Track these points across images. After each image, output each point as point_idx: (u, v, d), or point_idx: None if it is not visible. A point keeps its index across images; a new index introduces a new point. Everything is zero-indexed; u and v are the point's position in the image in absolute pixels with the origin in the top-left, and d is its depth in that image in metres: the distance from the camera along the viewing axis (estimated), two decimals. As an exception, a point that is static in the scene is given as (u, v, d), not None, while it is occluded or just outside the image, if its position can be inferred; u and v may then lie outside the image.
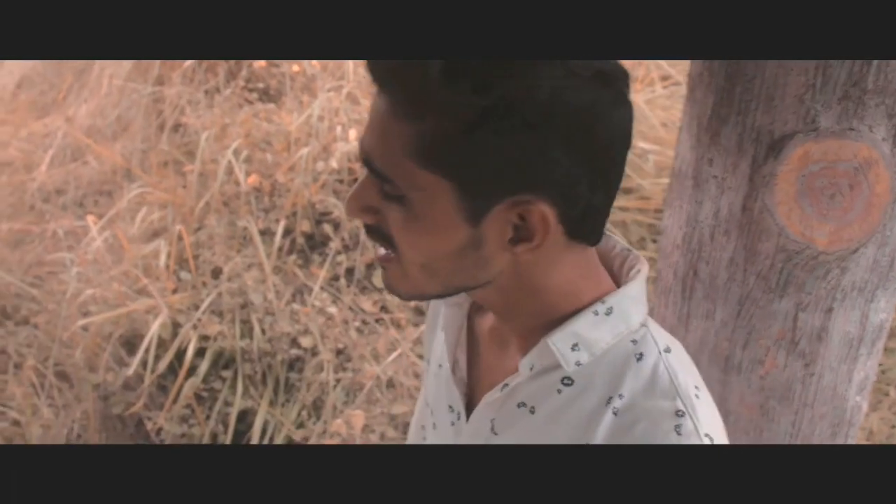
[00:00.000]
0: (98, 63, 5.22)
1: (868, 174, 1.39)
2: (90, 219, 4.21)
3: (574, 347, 1.08)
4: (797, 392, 1.61)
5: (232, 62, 4.68)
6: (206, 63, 4.73)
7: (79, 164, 4.83)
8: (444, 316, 1.26)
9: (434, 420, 1.30)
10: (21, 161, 4.92)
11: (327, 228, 4.03)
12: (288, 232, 4.01)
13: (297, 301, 3.86)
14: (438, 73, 0.94)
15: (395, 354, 3.64)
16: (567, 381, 1.10)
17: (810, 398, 1.62)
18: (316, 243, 4.08)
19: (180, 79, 4.74)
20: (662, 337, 1.13)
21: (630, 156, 4.43)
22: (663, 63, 5.32)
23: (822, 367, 1.57)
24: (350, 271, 3.98)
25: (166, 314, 3.68)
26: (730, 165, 1.47)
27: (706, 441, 1.03)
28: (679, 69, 5.34)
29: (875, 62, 1.35)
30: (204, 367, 3.64)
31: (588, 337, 1.08)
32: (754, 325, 1.56)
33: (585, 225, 1.05)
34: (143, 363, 3.63)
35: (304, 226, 4.01)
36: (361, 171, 1.10)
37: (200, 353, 3.68)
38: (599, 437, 1.06)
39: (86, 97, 5.31)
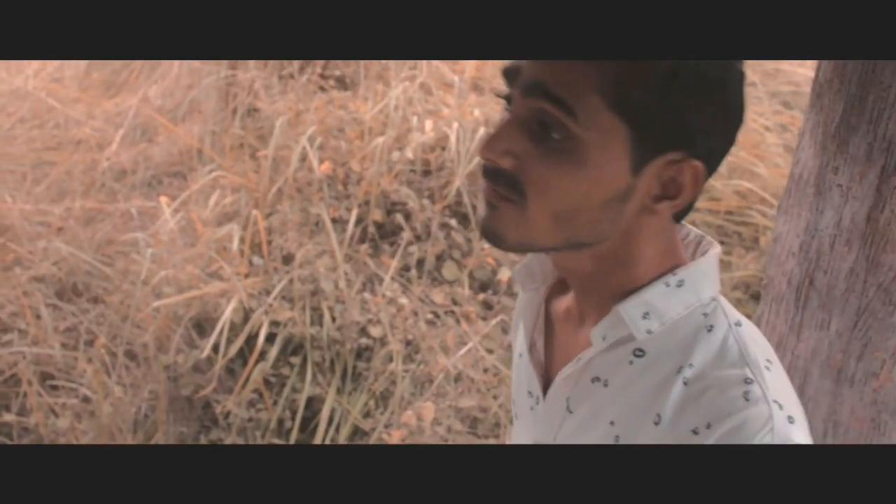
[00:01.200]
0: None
1: None
2: (163, 199, 4.23)
3: (645, 316, 1.09)
4: (910, 407, 1.57)
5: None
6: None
7: (150, 145, 4.86)
8: (521, 301, 1.27)
9: (516, 410, 1.31)
10: (93, 140, 4.96)
11: (399, 218, 4.02)
12: (360, 221, 4.00)
13: (368, 290, 3.87)
14: None
15: (465, 349, 3.63)
16: (639, 352, 1.11)
17: (923, 414, 1.58)
18: (387, 233, 4.08)
19: (254, 63, 4.75)
20: (733, 312, 1.13)
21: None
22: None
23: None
24: (420, 262, 3.98)
25: (238, 298, 3.69)
26: (856, 174, 1.44)
27: (775, 407, 1.03)
28: (754, 69, 5.28)
29: None
30: (273, 352, 3.65)
31: (658, 306, 1.09)
32: (871, 338, 1.52)
33: (687, 209, 1.09)
34: (214, 346, 3.65)
35: (377, 215, 4.01)
36: (501, 115, 1.08)
37: (270, 338, 3.70)
38: (669, 406, 1.07)
39: (157, 78, 5.34)
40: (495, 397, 3.59)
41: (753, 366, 1.06)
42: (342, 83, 4.62)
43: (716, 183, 4.53)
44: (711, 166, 1.05)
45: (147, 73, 5.50)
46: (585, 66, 0.99)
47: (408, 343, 3.74)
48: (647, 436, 1.09)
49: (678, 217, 1.09)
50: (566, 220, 1.05)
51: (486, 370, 3.66)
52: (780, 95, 5.29)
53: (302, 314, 3.73)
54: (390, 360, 3.66)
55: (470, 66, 4.60)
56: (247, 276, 3.82)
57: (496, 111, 4.33)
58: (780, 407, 1.03)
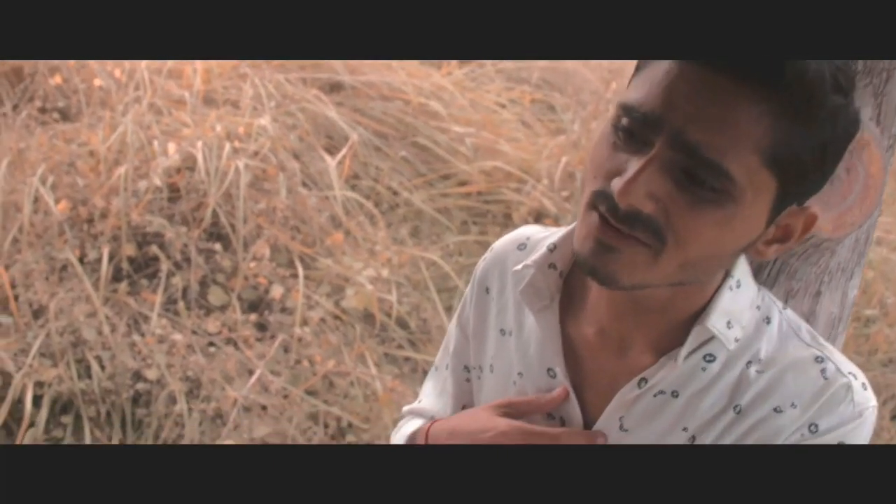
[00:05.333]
0: None
1: (862, 156, 1.38)
2: None
3: (728, 325, 1.12)
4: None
5: (17, 85, 4.32)
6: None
7: None
8: (535, 322, 1.21)
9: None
10: None
11: (154, 249, 3.78)
12: (112, 258, 3.73)
13: (135, 331, 3.61)
14: (831, 77, 0.96)
15: (254, 378, 3.46)
16: (709, 357, 1.13)
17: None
18: (143, 267, 3.83)
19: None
20: (773, 296, 1.20)
21: (447, 140, 4.40)
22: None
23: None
24: (185, 292, 3.76)
25: (-8, 365, 3.36)
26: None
27: (851, 379, 1.10)
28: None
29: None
30: (43, 416, 3.34)
31: (734, 311, 1.12)
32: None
33: None
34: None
35: (129, 250, 3.75)
36: (614, 149, 1.03)
37: (36, 401, 3.38)
38: (748, 396, 1.12)
39: None
40: (290, 419, 3.45)
41: (817, 344, 1.13)
42: (64, 115, 4.29)
43: (464, 166, 4.55)
44: None
45: None
46: (744, 126, 0.95)
47: (188, 379, 3.52)
48: (728, 427, 1.12)
49: None
50: (693, 266, 1.04)
51: (276, 393, 3.50)
52: (505, 72, 5.38)
53: (67, 369, 3.44)
54: (173, 401, 3.43)
55: (197, 79, 4.38)
56: (-3, 338, 3.47)
57: (235, 123, 4.16)
58: (854, 377, 1.11)
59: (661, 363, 1.13)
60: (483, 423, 1.21)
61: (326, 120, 4.45)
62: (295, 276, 3.83)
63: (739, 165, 0.96)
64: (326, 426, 3.50)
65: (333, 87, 4.69)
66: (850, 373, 1.11)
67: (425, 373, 3.24)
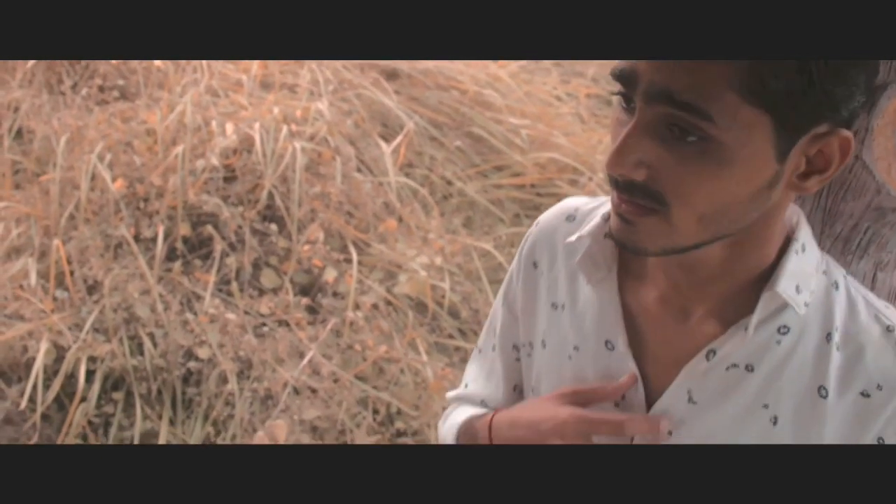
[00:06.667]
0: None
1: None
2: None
3: (797, 289, 1.08)
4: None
5: (76, 62, 4.34)
6: (43, 64, 4.37)
7: None
8: (595, 294, 1.18)
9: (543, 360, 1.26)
10: None
11: (209, 230, 3.77)
12: (167, 237, 3.73)
13: (188, 310, 3.61)
14: None
15: (306, 360, 3.44)
16: (784, 329, 1.08)
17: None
18: (197, 247, 3.83)
19: (18, 81, 4.37)
20: (834, 261, 1.17)
21: (502, 131, 4.37)
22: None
23: (896, 327, 1.52)
24: (239, 273, 3.75)
25: (47, 338, 3.36)
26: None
27: None
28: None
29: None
30: (95, 390, 3.35)
31: (801, 275, 1.09)
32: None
33: None
34: (21, 393, 3.31)
35: (184, 229, 3.75)
36: (615, 115, 1.03)
37: (88, 376, 3.39)
38: (832, 376, 1.08)
39: None
40: (339, 404, 3.43)
41: (883, 311, 1.10)
42: (123, 94, 4.30)
43: (518, 157, 4.52)
44: (853, 125, 1.03)
45: None
46: (714, 64, 0.93)
47: (239, 360, 3.51)
48: (815, 411, 1.08)
49: None
50: (714, 219, 1.01)
51: (326, 378, 3.48)
52: (561, 65, 5.34)
53: (120, 345, 3.44)
54: (224, 381, 3.43)
55: (255, 63, 4.39)
56: (52, 311, 3.48)
57: (292, 107, 4.15)
58: None
59: (729, 333, 1.09)
60: (544, 413, 1.18)
61: (383, 107, 4.43)
62: (348, 260, 3.81)
63: (718, 105, 0.93)
64: (376, 412, 3.48)
65: (390, 75, 4.68)
66: None
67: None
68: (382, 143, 4.25)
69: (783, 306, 1.08)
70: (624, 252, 1.17)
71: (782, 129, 0.96)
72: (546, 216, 1.31)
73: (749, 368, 1.09)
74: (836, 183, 1.40)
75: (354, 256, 3.81)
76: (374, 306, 3.73)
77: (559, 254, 1.26)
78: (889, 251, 1.44)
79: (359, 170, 4.13)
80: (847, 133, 1.00)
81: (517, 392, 1.36)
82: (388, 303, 3.78)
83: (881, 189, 1.36)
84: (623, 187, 1.01)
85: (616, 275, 1.18)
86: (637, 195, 1.00)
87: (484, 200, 4.37)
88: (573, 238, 1.20)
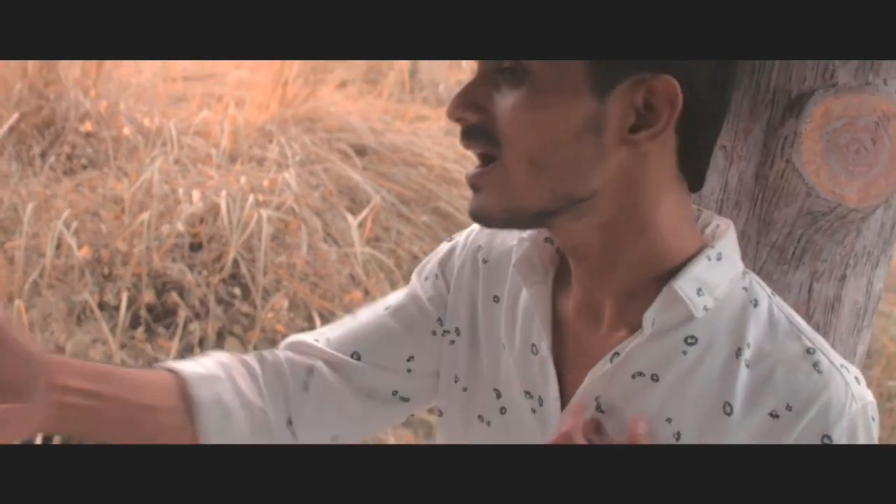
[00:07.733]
0: None
1: (888, 128, 1.37)
2: None
3: (699, 292, 1.04)
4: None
5: (46, 132, 4.39)
6: (15, 134, 4.41)
7: None
8: (528, 297, 1.16)
9: (503, 404, 1.20)
10: None
11: (174, 297, 3.77)
12: (131, 304, 3.73)
13: (149, 376, 3.58)
14: None
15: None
16: (691, 339, 1.06)
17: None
18: (161, 315, 3.82)
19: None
20: (763, 283, 1.12)
21: (467, 206, 4.42)
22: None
23: (833, 339, 1.52)
24: (202, 341, 3.74)
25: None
26: (741, 132, 1.42)
27: (844, 372, 1.03)
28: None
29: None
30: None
31: (708, 281, 1.05)
32: (765, 301, 1.50)
33: (692, 158, 1.06)
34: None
35: (148, 296, 3.75)
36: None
37: (47, 442, 3.35)
38: (738, 393, 1.03)
39: None
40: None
41: (808, 334, 1.06)
42: (91, 163, 4.34)
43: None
44: (699, 89, 0.99)
45: None
46: None
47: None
48: (720, 428, 1.03)
49: (688, 172, 1.07)
50: (542, 165, 1.00)
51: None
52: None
53: (80, 410, 3.40)
54: (184, 445, 3.39)
55: (225, 138, 4.44)
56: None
57: (260, 178, 4.19)
58: (847, 370, 1.03)
59: (634, 336, 1.06)
60: None
61: (350, 181, 4.48)
62: (313, 329, 3.80)
63: None
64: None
65: (358, 151, 4.74)
66: (842, 365, 1.03)
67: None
68: (349, 216, 4.28)
69: (690, 316, 1.05)
70: (564, 259, 1.18)
71: (595, 64, 0.96)
72: None
73: (654, 378, 1.06)
74: (770, 190, 1.43)
75: (319, 325, 3.80)
76: (339, 375, 3.71)
77: (504, 253, 1.25)
78: (823, 260, 1.47)
79: (325, 241, 4.15)
80: (670, 79, 0.97)
81: (354, 357, 1.27)
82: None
83: (811, 192, 1.39)
84: (464, 133, 1.04)
85: (552, 280, 1.17)
86: (474, 138, 1.03)
87: (450, 276, 4.38)
88: (515, 241, 1.20)
